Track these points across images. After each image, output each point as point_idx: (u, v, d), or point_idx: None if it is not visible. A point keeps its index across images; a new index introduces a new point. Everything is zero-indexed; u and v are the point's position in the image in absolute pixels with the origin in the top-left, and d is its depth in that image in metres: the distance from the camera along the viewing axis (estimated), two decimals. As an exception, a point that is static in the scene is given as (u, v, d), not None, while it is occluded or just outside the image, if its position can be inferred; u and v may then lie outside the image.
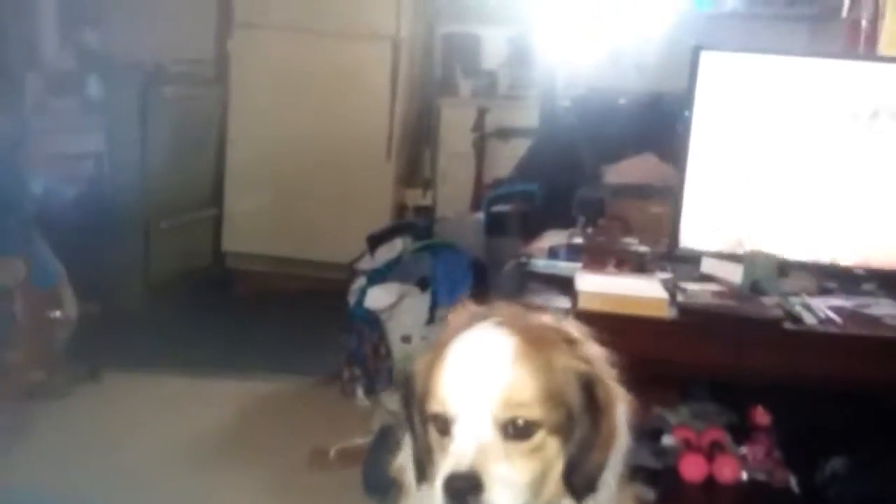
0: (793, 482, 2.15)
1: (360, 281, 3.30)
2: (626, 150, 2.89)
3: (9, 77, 3.33)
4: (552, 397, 1.06)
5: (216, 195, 4.83)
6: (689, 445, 2.27)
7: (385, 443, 2.51)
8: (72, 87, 3.79)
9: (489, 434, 1.03)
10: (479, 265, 3.14)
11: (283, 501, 2.46)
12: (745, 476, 2.20)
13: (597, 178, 2.77)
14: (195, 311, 4.14)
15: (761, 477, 2.20)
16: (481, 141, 4.76)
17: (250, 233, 4.80)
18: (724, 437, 2.29)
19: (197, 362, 3.45)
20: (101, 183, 3.88)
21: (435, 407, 1.07)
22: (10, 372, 2.87)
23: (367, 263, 3.41)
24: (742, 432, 2.32)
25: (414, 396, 1.13)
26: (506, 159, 4.56)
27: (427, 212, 4.90)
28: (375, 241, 3.43)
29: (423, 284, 3.15)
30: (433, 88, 5.24)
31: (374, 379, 3.21)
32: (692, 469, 2.19)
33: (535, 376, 1.05)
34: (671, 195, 2.50)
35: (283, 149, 4.68)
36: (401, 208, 4.98)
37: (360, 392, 3.20)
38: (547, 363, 1.07)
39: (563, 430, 1.07)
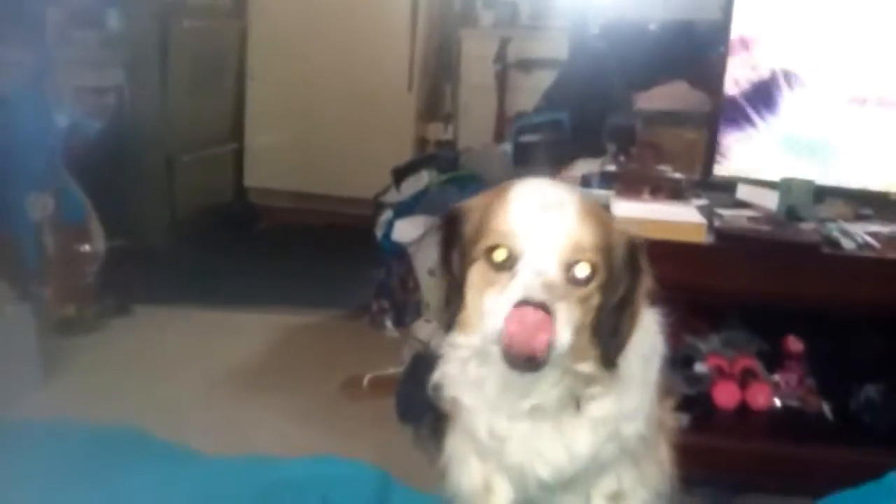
0: (826, 409, 2.16)
1: (387, 214, 3.30)
2: (657, 78, 2.84)
3: (30, 9, 3.28)
4: (606, 251, 1.11)
5: (237, 130, 4.80)
6: (721, 373, 2.28)
7: (417, 371, 2.53)
8: (92, 20, 3.74)
9: (555, 272, 1.06)
10: (506, 196, 3.12)
11: (319, 430, 2.48)
12: (777, 403, 2.21)
13: (627, 105, 2.72)
14: (220, 246, 4.15)
15: (794, 404, 2.21)
16: (503, 73, 4.69)
17: (272, 168, 4.79)
18: (757, 365, 2.30)
19: (224, 296, 3.47)
20: (122, 117, 3.84)
21: (498, 240, 1.08)
22: (41, 306, 2.88)
23: (393, 196, 3.40)
24: (774, 360, 2.33)
25: (460, 235, 1.14)
26: (528, 91, 4.49)
27: (449, 145, 4.86)
28: (401, 173, 3.41)
29: (450, 217, 3.14)
30: (453, 20, 5.14)
31: (402, 311, 3.22)
32: (725, 396, 2.20)
33: (595, 228, 1.10)
34: (704, 122, 2.47)
35: (303, 82, 4.64)
36: (422, 142, 4.94)
37: (389, 324, 3.22)
38: (604, 221, 1.13)
39: (608, 286, 1.11)
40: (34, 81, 3.08)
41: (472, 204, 1.18)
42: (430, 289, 3.17)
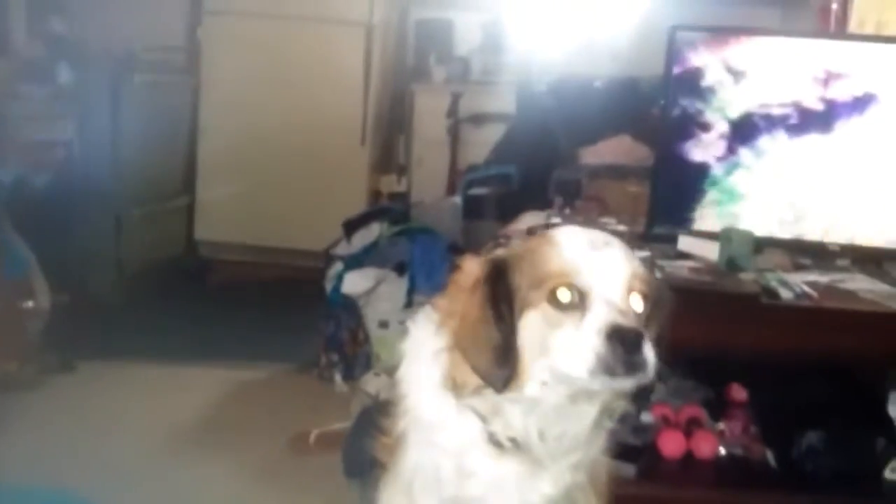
0: (770, 456, 2.18)
1: (337, 266, 3.30)
2: (602, 132, 2.90)
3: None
4: (646, 281, 1.16)
5: (188, 183, 4.78)
6: (667, 422, 2.29)
7: (364, 426, 2.51)
8: (42, 75, 3.72)
9: (624, 303, 1.11)
10: (456, 249, 3.14)
11: (265, 486, 2.44)
12: (722, 451, 2.22)
13: (573, 159, 2.77)
14: (169, 301, 4.10)
15: (738, 452, 2.22)
16: (455, 127, 4.75)
17: (223, 221, 4.76)
18: (702, 414, 2.32)
19: (172, 351, 3.42)
20: (71, 171, 3.82)
21: (563, 280, 1.10)
22: (-19, 363, 2.82)
23: (343, 249, 3.40)
24: (718, 408, 2.35)
25: (509, 285, 1.14)
26: (480, 145, 4.56)
27: (402, 198, 4.89)
28: (352, 226, 3.42)
29: (400, 269, 3.16)
30: (406, 74, 5.22)
31: (351, 364, 3.21)
32: (671, 445, 2.21)
33: (640, 264, 1.17)
34: (647, 175, 2.53)
35: (255, 136, 4.65)
36: (375, 194, 4.97)
37: (338, 377, 3.20)
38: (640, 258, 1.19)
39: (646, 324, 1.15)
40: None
41: (516, 254, 1.18)
42: (380, 341, 3.17)
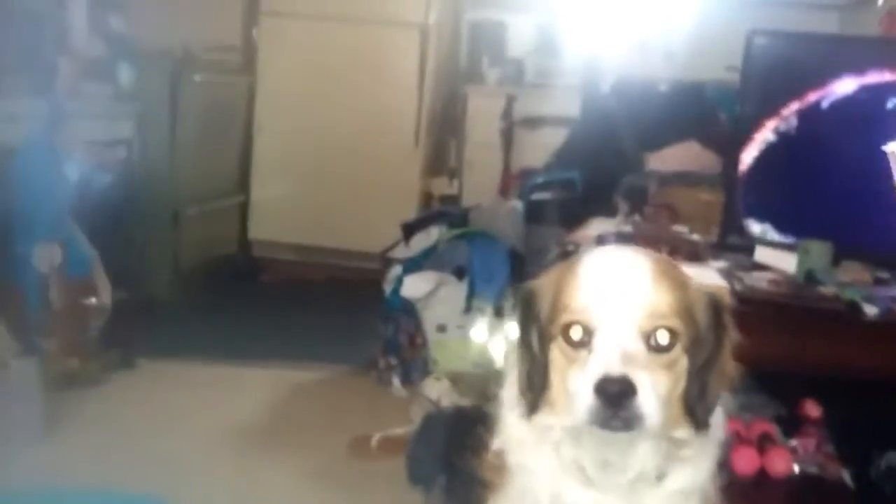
0: (846, 476, 2.12)
1: (396, 269, 3.28)
2: (668, 138, 2.85)
3: (43, 62, 3.31)
4: (686, 313, 1.07)
5: (243, 183, 4.81)
6: (739, 438, 2.24)
7: (428, 432, 2.49)
8: (102, 74, 3.76)
9: (634, 343, 1.04)
10: (515, 254, 3.12)
11: (327, 490, 2.43)
12: (797, 469, 2.17)
13: (639, 165, 2.73)
14: (223, 300, 4.13)
15: (813, 470, 2.17)
16: (509, 129, 4.72)
17: (277, 221, 4.78)
18: (774, 430, 2.26)
19: (228, 351, 3.43)
20: (130, 169, 3.86)
21: (573, 317, 1.06)
22: (45, 360, 2.84)
23: (401, 252, 3.39)
24: (791, 425, 2.29)
25: (536, 313, 1.11)
26: (532, 148, 4.54)
27: (453, 200, 4.87)
28: (410, 229, 3.41)
29: (459, 273, 3.13)
30: (460, 76, 5.20)
31: (410, 368, 3.19)
32: (744, 462, 2.16)
33: (672, 291, 1.07)
34: (717, 182, 2.48)
35: (310, 137, 4.67)
36: (426, 196, 4.95)
37: (396, 381, 3.18)
38: (681, 281, 1.10)
39: (692, 348, 1.08)
40: (46, 133, 3.09)
41: (545, 280, 1.15)
42: (438, 346, 3.15)
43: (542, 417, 1.12)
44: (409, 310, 3.17)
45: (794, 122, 2.23)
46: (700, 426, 1.11)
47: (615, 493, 1.17)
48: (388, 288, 3.28)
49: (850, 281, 2.18)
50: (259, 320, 3.92)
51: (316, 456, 2.63)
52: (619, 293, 1.06)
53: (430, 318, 3.13)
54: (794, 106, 2.24)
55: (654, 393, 1.02)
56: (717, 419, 1.18)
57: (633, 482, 1.15)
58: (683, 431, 1.11)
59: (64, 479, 2.35)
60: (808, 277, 2.13)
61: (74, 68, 3.61)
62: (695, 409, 1.09)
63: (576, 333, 1.06)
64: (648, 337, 1.05)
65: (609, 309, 1.05)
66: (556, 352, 1.09)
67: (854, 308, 2.00)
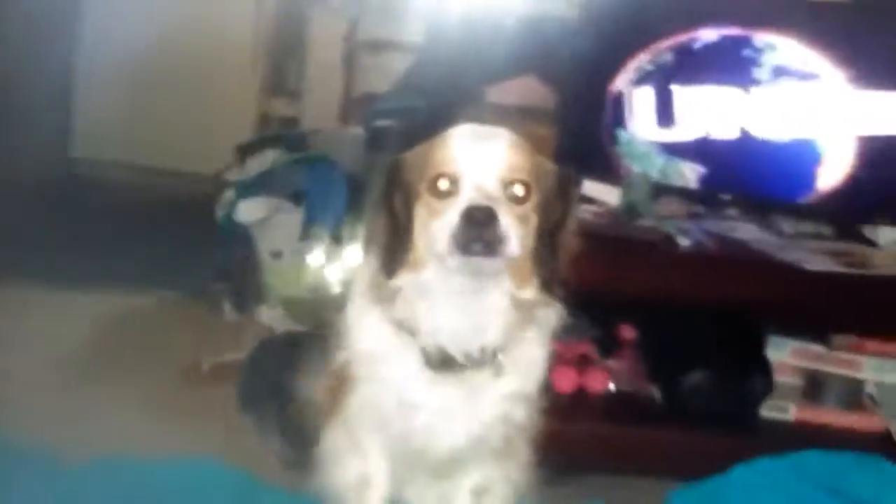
0: (656, 393, 2.30)
1: (230, 193, 3.18)
2: (508, 71, 2.88)
3: None
4: (538, 176, 1.23)
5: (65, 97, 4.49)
6: (559, 358, 2.37)
7: (261, 358, 2.48)
8: None
9: (495, 188, 1.18)
10: (355, 181, 3.09)
11: (157, 417, 2.37)
12: (612, 387, 2.33)
13: (479, 97, 2.76)
14: (46, 222, 3.87)
15: (627, 388, 2.34)
16: (351, 53, 4.63)
17: (104, 138, 4.51)
18: (593, 351, 2.42)
19: (51, 276, 3.23)
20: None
21: (441, 169, 1.20)
22: None
23: (235, 174, 3.29)
24: (608, 346, 2.45)
25: (402, 179, 1.24)
26: (376, 73, 4.47)
27: (293, 124, 4.76)
28: (246, 151, 3.30)
29: (296, 199, 3.08)
30: (302, -5, 5.02)
31: (243, 294, 3.13)
32: (563, 380, 2.30)
33: (527, 155, 1.23)
34: (553, 118, 2.55)
35: (141, 52, 4.38)
36: (265, 118, 4.81)
37: (227, 307, 3.12)
38: (533, 152, 1.24)
39: (543, 210, 1.22)
40: None
41: (412, 152, 1.28)
42: (272, 272, 3.10)
43: (401, 277, 1.22)
44: (242, 234, 3.09)
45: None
46: (548, 287, 1.25)
47: (457, 394, 1.28)
48: (221, 212, 3.18)
49: (668, 214, 2.32)
50: (84, 244, 3.68)
51: (147, 383, 2.55)
52: (482, 148, 1.22)
53: (265, 243, 3.06)
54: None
55: (510, 226, 1.15)
56: (549, 315, 1.31)
57: (474, 375, 1.27)
58: (531, 292, 1.25)
59: None
60: (630, 210, 2.25)
61: None
62: (543, 268, 1.23)
63: (443, 184, 1.19)
64: (506, 187, 1.20)
65: (473, 159, 1.20)
66: (422, 209, 1.22)
67: (669, 240, 2.13)
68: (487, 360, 1.27)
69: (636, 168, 2.36)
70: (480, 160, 1.20)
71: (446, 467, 1.39)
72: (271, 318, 2.79)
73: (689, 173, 2.36)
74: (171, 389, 2.55)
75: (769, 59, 2.28)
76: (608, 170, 2.41)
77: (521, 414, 1.38)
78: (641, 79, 2.35)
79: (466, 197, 1.17)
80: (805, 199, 2.36)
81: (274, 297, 2.97)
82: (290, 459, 2.15)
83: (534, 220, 1.23)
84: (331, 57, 4.76)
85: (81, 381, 2.53)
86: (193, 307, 3.19)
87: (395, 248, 1.23)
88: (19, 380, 2.45)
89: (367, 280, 1.31)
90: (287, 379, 2.30)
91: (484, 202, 1.15)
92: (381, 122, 2.98)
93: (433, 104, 2.78)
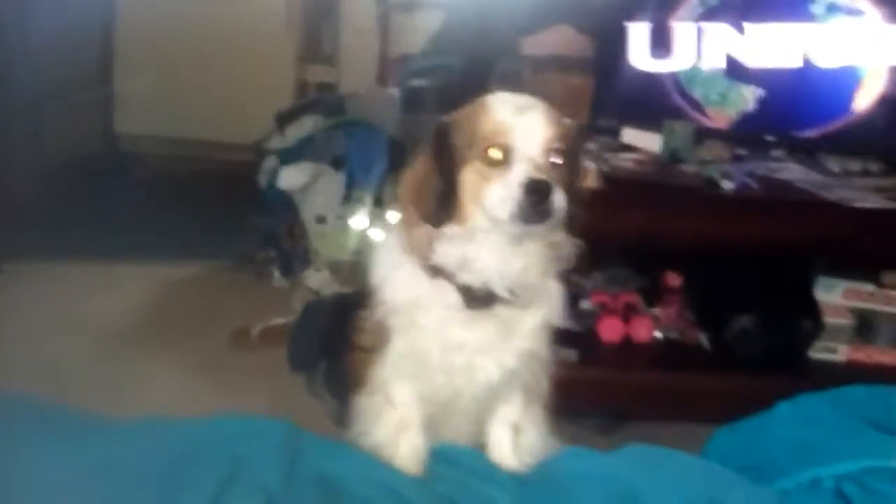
0: (704, 339, 2.29)
1: (271, 161, 3.22)
2: (541, 22, 2.85)
3: None
4: (565, 138, 1.35)
5: (105, 74, 4.55)
6: (605, 308, 2.37)
7: (309, 320, 2.51)
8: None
9: (542, 159, 1.31)
10: (394, 142, 3.10)
11: (209, 383, 2.43)
12: (658, 335, 2.32)
13: (513, 50, 2.73)
14: (91, 198, 3.95)
15: (674, 335, 2.33)
16: (385, 14, 4.60)
17: (144, 113, 4.56)
18: (638, 300, 2.41)
19: (100, 250, 3.31)
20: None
21: (493, 140, 1.31)
22: None
23: (276, 142, 3.32)
24: (654, 295, 2.44)
25: (450, 143, 1.34)
26: (410, 33, 4.44)
27: (330, 88, 4.76)
28: (285, 119, 3.32)
29: (337, 163, 3.10)
30: (332, -42, 5.00)
31: (289, 259, 3.18)
32: (610, 330, 2.30)
33: (558, 123, 1.35)
34: (589, 67, 2.52)
35: (176, 22, 4.41)
36: (303, 85, 4.82)
37: (276, 273, 3.17)
38: (560, 117, 1.38)
39: (567, 167, 1.36)
40: None
41: (458, 117, 1.37)
42: (317, 236, 3.14)
43: (450, 228, 1.35)
44: (286, 201, 3.13)
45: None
46: (571, 229, 1.40)
47: (493, 330, 1.40)
48: (263, 180, 3.22)
49: (711, 159, 2.29)
50: (131, 217, 3.76)
51: (197, 350, 2.61)
52: (528, 121, 1.32)
53: (309, 209, 3.10)
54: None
55: (560, 192, 1.30)
56: (571, 252, 1.43)
57: (505, 310, 1.39)
58: (559, 234, 1.39)
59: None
60: (672, 156, 2.23)
61: None
62: (568, 213, 1.35)
63: (495, 153, 1.30)
64: (549, 153, 1.32)
65: (522, 133, 1.31)
66: (471, 173, 1.33)
67: (712, 184, 2.11)
68: (523, 295, 1.38)
69: (697, 93, 2.41)
70: (527, 132, 1.31)
71: (481, 406, 1.49)
72: (318, 281, 2.82)
73: (749, 95, 2.43)
74: (223, 355, 2.61)
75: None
76: (648, 116, 2.38)
77: (546, 346, 1.48)
78: (705, 14, 2.40)
79: (521, 168, 1.29)
80: (845, 119, 2.44)
81: (320, 261, 3.01)
82: (339, 416, 2.20)
83: (564, 177, 1.36)
84: (365, 20, 4.74)
85: (134, 352, 2.60)
86: (241, 275, 3.25)
87: (444, 202, 1.33)
88: (72, 354, 2.52)
89: (401, 231, 1.41)
90: (335, 339, 2.35)
91: (539, 175, 1.28)
92: (416, 82, 2.97)
93: (468, 61, 2.77)
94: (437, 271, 1.37)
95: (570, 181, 1.36)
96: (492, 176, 1.31)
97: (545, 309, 1.44)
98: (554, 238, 1.39)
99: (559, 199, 1.29)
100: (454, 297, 1.38)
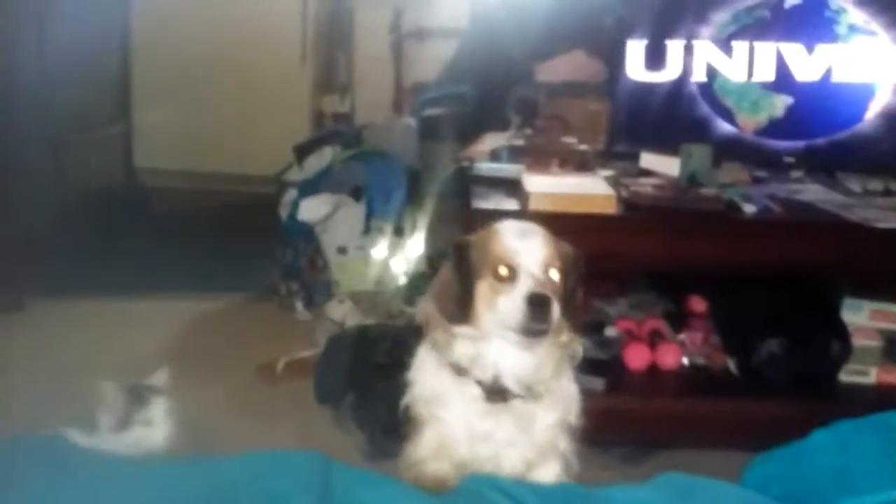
0: (731, 365, 2.26)
1: (291, 193, 3.24)
2: (555, 48, 2.86)
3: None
4: (562, 258, 1.55)
5: (124, 109, 4.60)
6: (631, 335, 2.35)
7: (334, 352, 2.52)
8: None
9: (542, 276, 1.50)
10: (411, 171, 3.11)
11: (236, 417, 2.43)
12: (685, 361, 2.30)
13: (528, 77, 2.74)
14: (113, 233, 3.98)
15: (701, 361, 2.31)
16: (398, 43, 4.64)
17: (163, 147, 4.61)
18: (664, 326, 2.39)
19: (123, 285, 3.33)
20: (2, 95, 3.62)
21: (503, 260, 1.51)
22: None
23: (295, 174, 3.34)
24: (679, 320, 2.42)
25: (468, 259, 1.55)
26: (424, 61, 4.47)
27: (345, 118, 4.79)
28: (303, 151, 3.35)
29: (356, 194, 3.11)
30: (345, -12, 5.04)
31: (312, 291, 3.18)
32: (637, 358, 2.28)
33: (555, 245, 1.55)
34: (603, 91, 2.52)
35: (191, 57, 4.47)
36: (318, 115, 4.85)
37: (299, 305, 3.18)
38: (556, 240, 1.57)
39: (564, 281, 1.55)
40: None
41: (475, 238, 1.59)
42: (339, 267, 3.15)
43: (465, 329, 1.54)
44: (307, 233, 3.14)
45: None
46: (575, 329, 1.59)
47: (511, 423, 1.58)
48: (284, 212, 3.24)
49: (731, 181, 2.28)
50: (152, 252, 3.77)
51: (224, 384, 2.62)
52: (530, 245, 1.53)
53: (330, 240, 3.11)
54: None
55: (556, 305, 1.49)
56: (577, 350, 1.63)
57: (520, 405, 1.56)
58: (565, 336, 1.58)
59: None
60: (691, 180, 2.22)
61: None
62: (570, 319, 1.57)
63: (503, 272, 1.51)
64: (547, 271, 1.52)
65: (526, 254, 1.52)
66: (484, 286, 1.53)
67: (733, 207, 2.09)
68: (535, 391, 1.56)
69: (729, 102, 2.50)
70: (529, 253, 1.52)
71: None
72: (341, 313, 2.82)
73: (779, 104, 2.52)
74: (249, 389, 2.61)
75: (845, 19, 2.50)
76: (666, 139, 2.37)
77: (565, 441, 1.63)
78: (734, 33, 2.51)
79: (525, 283, 1.49)
80: (857, 126, 2.54)
81: (342, 292, 3.01)
82: (367, 449, 2.19)
83: (560, 289, 1.54)
84: (379, 49, 4.78)
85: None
86: (264, 308, 3.26)
87: (461, 307, 1.54)
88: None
89: (427, 331, 1.60)
90: (360, 370, 2.36)
91: (539, 289, 1.47)
92: (432, 111, 2.99)
93: (483, 88, 2.78)
94: (459, 368, 1.56)
95: (567, 290, 1.55)
96: (501, 290, 1.51)
97: (561, 407, 1.61)
98: (560, 339, 1.56)
99: (555, 311, 1.48)
100: (475, 391, 1.56)
